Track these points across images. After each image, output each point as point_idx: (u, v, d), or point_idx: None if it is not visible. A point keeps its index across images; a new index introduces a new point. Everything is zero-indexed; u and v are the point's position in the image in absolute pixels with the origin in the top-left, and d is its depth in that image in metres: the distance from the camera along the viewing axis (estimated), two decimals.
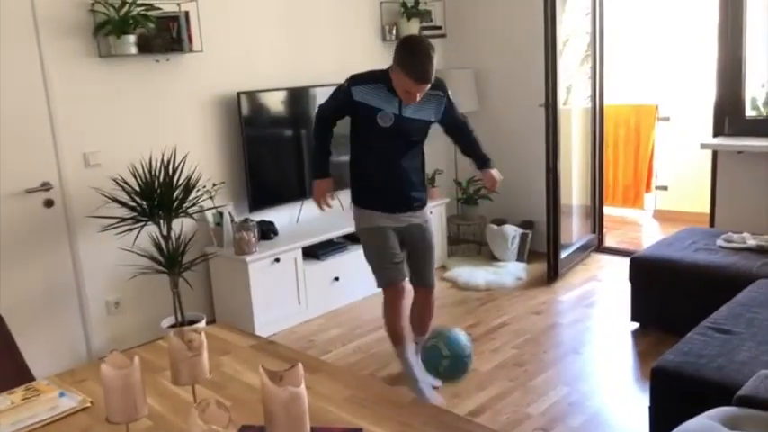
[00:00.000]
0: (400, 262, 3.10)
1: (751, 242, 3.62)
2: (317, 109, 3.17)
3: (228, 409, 1.16)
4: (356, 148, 3.09)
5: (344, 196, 4.84)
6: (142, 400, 1.39)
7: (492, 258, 5.05)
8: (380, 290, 3.14)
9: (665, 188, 6.19)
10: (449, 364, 2.87)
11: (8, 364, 2.19)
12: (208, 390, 1.70)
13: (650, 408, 2.51)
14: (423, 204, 3.15)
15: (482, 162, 3.20)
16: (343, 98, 2.97)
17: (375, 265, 3.12)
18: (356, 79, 2.94)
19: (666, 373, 2.44)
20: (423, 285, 3.25)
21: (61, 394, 1.71)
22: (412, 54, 2.74)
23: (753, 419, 1.94)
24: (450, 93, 3.06)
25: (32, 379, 2.15)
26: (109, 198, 3.52)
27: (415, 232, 3.13)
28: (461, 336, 2.95)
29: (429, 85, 2.79)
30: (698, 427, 1.95)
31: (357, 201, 3.12)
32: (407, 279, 3.16)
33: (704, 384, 2.33)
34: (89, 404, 1.68)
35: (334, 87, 4.49)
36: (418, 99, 2.82)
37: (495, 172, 3.17)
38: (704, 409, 2.05)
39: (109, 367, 1.34)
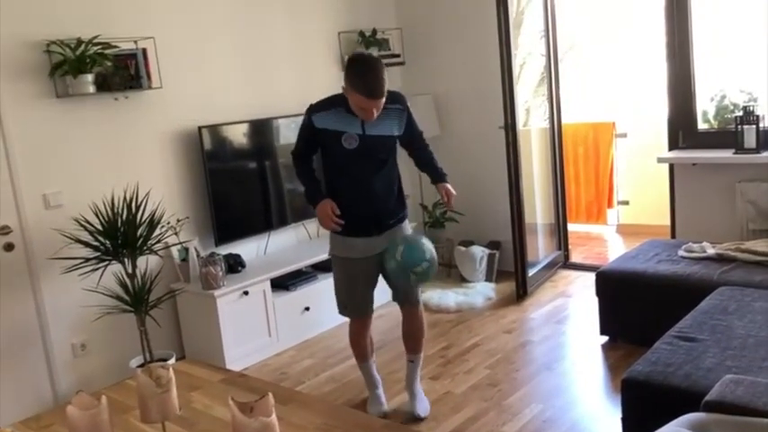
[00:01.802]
0: (366, 297, 3.11)
1: (711, 251, 3.71)
2: (290, 151, 3.17)
3: None
4: (327, 175, 3.07)
5: (311, 225, 4.88)
6: None
7: (461, 280, 5.08)
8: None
9: (627, 203, 6.31)
10: (428, 266, 2.90)
11: None
12: (178, 427, 1.68)
13: (622, 419, 2.54)
14: (400, 220, 3.11)
15: (439, 176, 3.17)
16: (307, 130, 2.98)
17: (340, 295, 3.15)
18: (314, 108, 2.95)
19: (636, 384, 2.48)
20: (407, 304, 3.21)
21: None
22: (361, 72, 2.75)
23: (720, 424, 1.97)
24: (409, 105, 3.07)
25: None
26: (71, 239, 3.47)
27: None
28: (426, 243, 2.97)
29: (383, 100, 2.79)
30: None
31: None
32: (372, 311, 3.18)
33: (673, 392, 2.37)
34: None
35: (296, 117, 4.58)
36: (375, 115, 2.82)
37: (449, 186, 3.14)
38: (674, 416, 2.08)
39: (75, 408, 1.31)
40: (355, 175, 2.98)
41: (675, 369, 2.46)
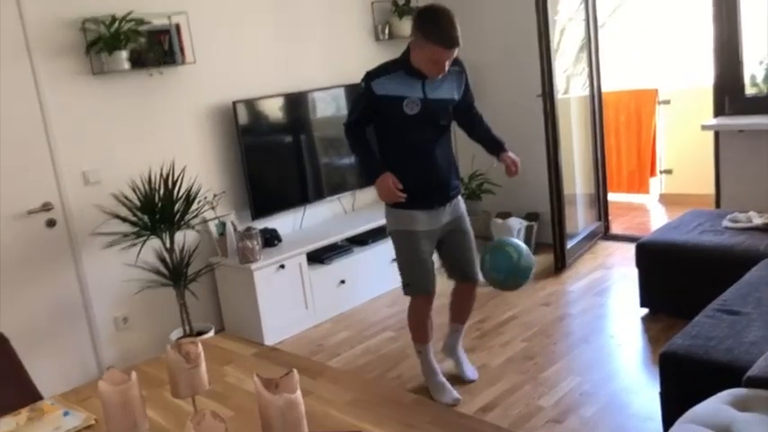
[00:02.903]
0: (432, 271, 3.01)
1: (757, 221, 3.59)
2: (343, 124, 2.99)
3: (224, 420, 1.15)
4: (385, 147, 2.93)
5: (347, 200, 4.88)
6: (142, 415, 1.39)
7: None
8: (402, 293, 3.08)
9: (670, 172, 6.14)
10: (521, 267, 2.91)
11: (15, 385, 2.19)
12: (211, 401, 1.70)
13: (661, 393, 2.49)
14: (458, 192, 3.05)
15: (500, 146, 3.06)
16: (365, 99, 2.85)
17: (405, 272, 3.01)
18: (372, 74, 2.83)
19: (675, 358, 2.42)
20: (465, 280, 3.15)
21: (65, 413, 1.72)
22: (436, 21, 2.64)
23: (763, 400, 1.92)
24: (466, 67, 2.98)
25: (40, 398, 2.16)
26: (110, 214, 3.53)
27: (451, 229, 3.01)
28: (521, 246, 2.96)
29: (456, 51, 2.69)
30: (707, 411, 1.93)
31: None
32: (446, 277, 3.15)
33: (713, 367, 2.31)
34: (93, 422, 1.69)
35: (332, 89, 4.56)
36: (446, 69, 2.72)
37: (512, 154, 3.04)
38: (715, 391, 2.03)
39: (106, 384, 1.33)
40: (417, 143, 2.87)
41: (717, 343, 2.40)
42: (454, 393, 3.05)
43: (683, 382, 2.41)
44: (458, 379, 3.20)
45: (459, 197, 3.07)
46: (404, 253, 2.99)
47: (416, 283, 3.01)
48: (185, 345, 1.44)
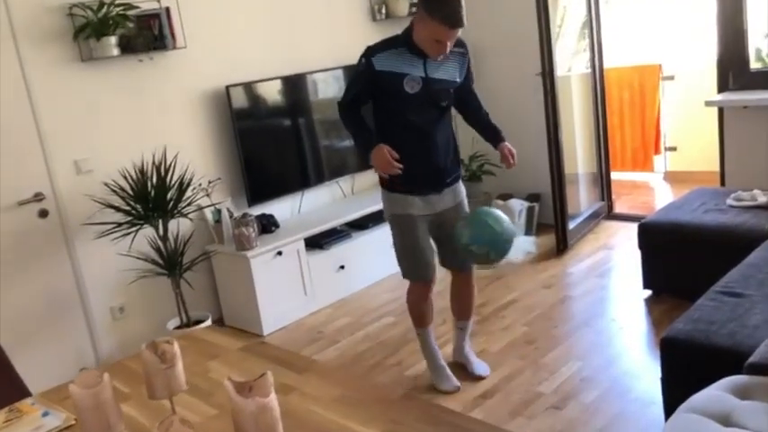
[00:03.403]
0: (430, 257, 2.92)
1: (762, 199, 3.51)
2: (337, 103, 2.88)
3: (193, 426, 1.11)
4: (382, 128, 2.82)
5: (346, 183, 4.82)
6: (116, 417, 1.35)
7: None
8: (402, 278, 3.01)
9: (675, 149, 6.04)
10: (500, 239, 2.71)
11: (1, 381, 2.16)
12: (193, 398, 1.65)
13: (662, 379, 2.43)
14: (457, 178, 2.94)
15: (499, 137, 2.96)
16: (364, 74, 2.72)
17: (402, 257, 2.94)
18: (374, 49, 2.71)
19: (676, 343, 2.36)
20: (459, 270, 3.06)
21: (45, 413, 1.68)
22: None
23: (764, 387, 1.86)
24: (469, 50, 2.87)
25: (28, 394, 2.12)
26: (103, 204, 3.49)
27: (448, 216, 2.88)
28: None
29: (459, 32, 2.59)
30: (708, 399, 1.88)
31: (386, 184, 2.87)
32: (440, 265, 3.02)
33: (715, 352, 2.25)
34: (74, 422, 1.64)
35: (332, 71, 4.48)
36: (449, 50, 2.62)
37: (510, 145, 2.95)
38: (717, 376, 1.98)
39: (77, 387, 1.29)
40: (416, 124, 2.75)
41: (718, 327, 2.34)
42: (454, 380, 3.00)
43: (685, 367, 2.35)
44: (464, 368, 3.12)
45: (460, 183, 2.97)
46: (400, 238, 2.92)
47: (413, 270, 2.94)
48: (161, 344, 1.39)
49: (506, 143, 2.95)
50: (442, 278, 3.09)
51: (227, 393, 1.13)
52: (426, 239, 2.92)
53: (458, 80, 2.82)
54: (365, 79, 2.74)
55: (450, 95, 2.83)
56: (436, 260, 2.99)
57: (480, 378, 3.05)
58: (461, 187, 2.98)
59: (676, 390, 2.39)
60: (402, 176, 2.73)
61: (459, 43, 2.76)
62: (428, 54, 2.66)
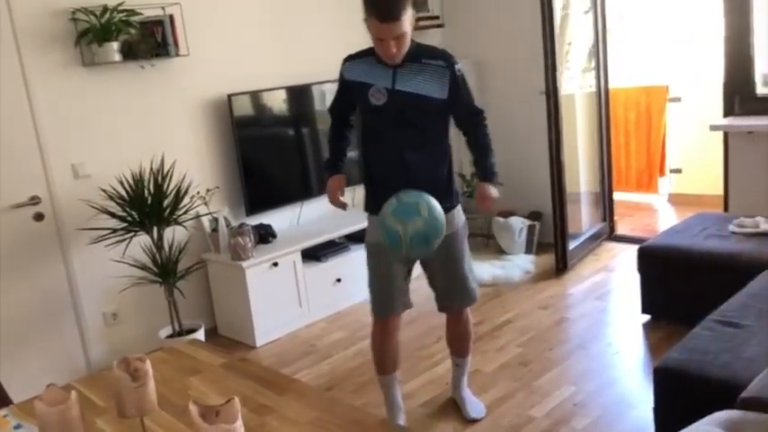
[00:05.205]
0: (394, 292, 2.67)
1: (764, 226, 3.46)
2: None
3: None
4: (361, 142, 2.70)
5: (346, 195, 4.77)
6: None
7: (500, 252, 4.93)
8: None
9: (680, 171, 5.99)
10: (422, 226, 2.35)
11: None
12: (170, 416, 1.62)
13: (655, 409, 2.38)
14: (448, 209, 2.55)
15: (483, 173, 2.66)
16: (340, 83, 2.66)
17: (370, 288, 2.74)
18: (348, 57, 2.63)
19: (670, 373, 2.31)
20: (449, 309, 2.81)
21: (17, 426, 1.65)
22: None
23: (757, 424, 1.81)
24: (458, 67, 2.50)
25: (10, 403, 2.09)
26: (99, 209, 3.47)
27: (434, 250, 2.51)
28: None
29: (399, 27, 2.32)
30: None
31: (365, 205, 2.72)
32: (408, 309, 2.76)
33: (709, 384, 2.20)
34: None
35: (330, 83, 4.44)
36: (394, 51, 2.37)
37: (492, 189, 2.62)
38: (710, 409, 1.92)
39: (43, 404, 1.25)
40: (389, 142, 2.54)
41: (713, 358, 2.29)
42: None
43: (678, 398, 2.30)
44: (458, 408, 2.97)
45: (454, 213, 2.63)
46: (369, 266, 2.73)
47: (373, 302, 2.73)
48: (134, 361, 1.36)
49: (488, 185, 2.63)
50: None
51: (192, 418, 1.09)
52: (395, 271, 2.65)
53: (436, 96, 2.48)
54: (340, 88, 2.69)
55: (425, 114, 2.53)
56: (410, 297, 2.75)
57: (474, 421, 2.85)
58: (455, 218, 2.64)
59: (669, 420, 2.34)
60: (372, 197, 2.63)
61: (438, 56, 2.50)
62: (382, 57, 2.45)
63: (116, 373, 1.34)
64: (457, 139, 2.78)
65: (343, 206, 2.74)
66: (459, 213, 2.68)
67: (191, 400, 1.14)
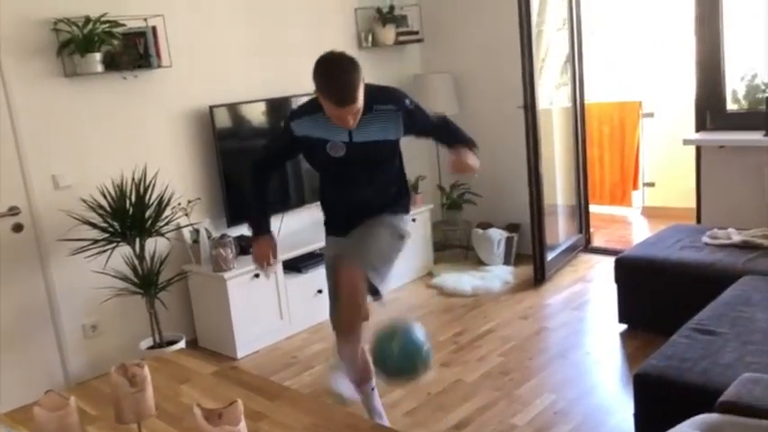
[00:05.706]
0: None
1: (736, 237, 3.56)
2: (251, 161, 2.71)
3: None
4: (319, 176, 2.77)
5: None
6: None
7: (479, 263, 4.98)
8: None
9: (653, 185, 6.12)
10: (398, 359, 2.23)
11: None
12: (162, 422, 1.62)
13: (635, 415, 2.44)
14: (394, 210, 2.68)
15: (456, 141, 2.59)
16: (286, 137, 2.58)
17: (330, 302, 2.75)
18: (294, 114, 2.58)
19: (649, 380, 2.37)
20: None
21: None
22: (327, 76, 2.32)
23: (735, 426, 1.87)
24: (408, 102, 2.51)
25: None
26: (80, 220, 3.45)
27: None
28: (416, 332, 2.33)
29: (357, 105, 2.33)
30: None
31: (325, 227, 2.81)
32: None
33: (688, 389, 2.26)
34: None
35: (310, 96, 4.48)
36: (352, 122, 2.37)
37: (467, 154, 2.51)
38: (689, 414, 1.98)
39: (42, 410, 1.26)
40: (346, 182, 2.63)
41: (692, 365, 2.35)
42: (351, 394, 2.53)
43: (657, 403, 2.36)
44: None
45: (398, 215, 2.70)
46: (327, 281, 2.76)
47: (331, 315, 2.72)
48: (131, 367, 1.37)
49: (463, 149, 2.53)
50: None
51: (196, 420, 1.11)
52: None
53: (392, 138, 2.54)
54: (287, 141, 2.60)
55: (384, 152, 2.59)
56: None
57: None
58: (398, 219, 2.69)
59: (649, 426, 2.41)
60: (332, 220, 2.74)
61: (387, 99, 2.49)
62: (336, 124, 2.42)
63: (114, 379, 1.35)
64: (434, 156, 2.81)
65: (270, 270, 2.70)
66: (402, 220, 2.72)
67: (195, 403, 1.15)
